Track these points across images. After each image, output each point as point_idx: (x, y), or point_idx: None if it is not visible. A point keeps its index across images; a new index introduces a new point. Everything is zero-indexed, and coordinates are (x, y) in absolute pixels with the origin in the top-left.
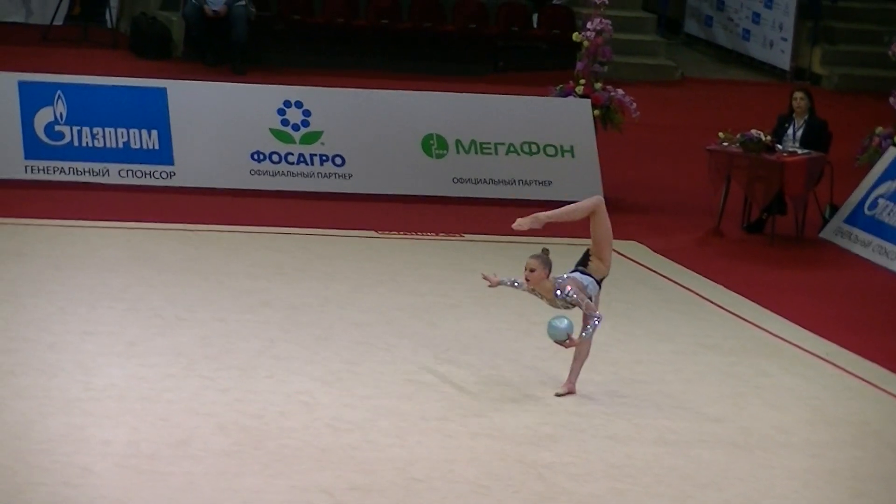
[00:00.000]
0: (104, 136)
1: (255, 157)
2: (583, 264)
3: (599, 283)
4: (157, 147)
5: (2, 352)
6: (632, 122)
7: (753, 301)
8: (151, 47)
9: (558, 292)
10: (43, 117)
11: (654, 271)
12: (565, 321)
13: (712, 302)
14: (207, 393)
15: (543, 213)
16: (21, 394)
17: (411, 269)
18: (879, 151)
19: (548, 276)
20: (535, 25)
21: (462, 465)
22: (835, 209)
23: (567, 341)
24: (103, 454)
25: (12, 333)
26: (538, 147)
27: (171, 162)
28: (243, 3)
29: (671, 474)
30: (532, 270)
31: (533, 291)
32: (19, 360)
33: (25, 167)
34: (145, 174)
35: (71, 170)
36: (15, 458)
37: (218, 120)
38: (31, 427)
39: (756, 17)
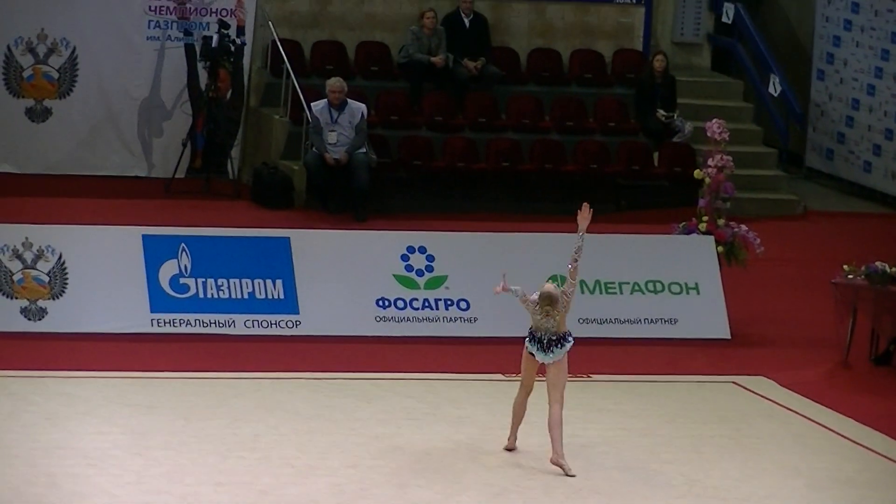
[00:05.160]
0: (229, 288)
1: (381, 303)
2: None
3: None
4: (282, 296)
5: None
6: (756, 258)
7: (884, 433)
8: (273, 197)
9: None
10: (168, 270)
11: (783, 406)
12: None
13: (843, 435)
14: None
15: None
16: None
17: (540, 411)
18: None
19: None
20: (655, 163)
21: None
22: None
23: None
24: None
25: (145, 486)
26: (663, 285)
27: (296, 311)
28: (364, 150)
29: None
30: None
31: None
32: None
33: (152, 320)
34: (271, 324)
35: (197, 322)
36: None
37: (342, 267)
38: None
39: (877, 150)
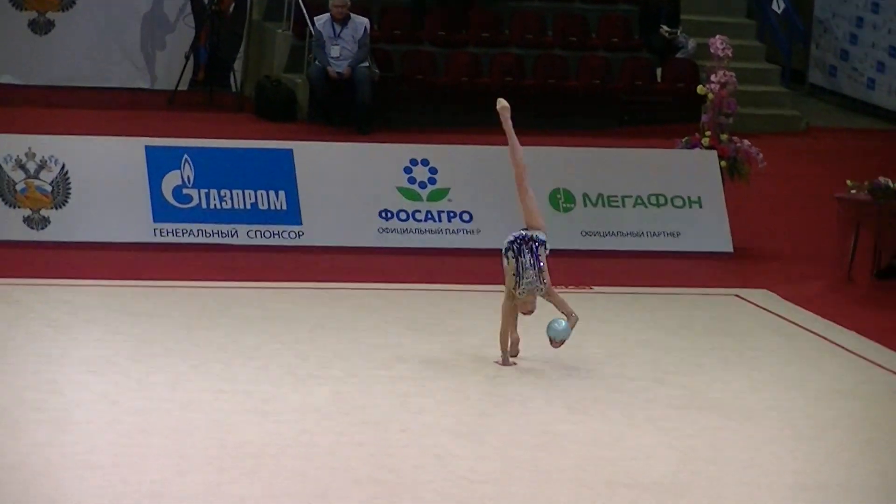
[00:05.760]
0: (232, 198)
1: (383, 215)
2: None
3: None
4: (284, 207)
5: (136, 412)
6: (758, 173)
7: (886, 346)
8: (276, 110)
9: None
10: (170, 181)
11: (786, 319)
12: (563, 323)
13: (844, 348)
14: (342, 448)
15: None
16: (156, 453)
17: (542, 322)
18: None
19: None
20: (659, 79)
21: None
22: None
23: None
24: None
25: (146, 393)
26: (665, 199)
27: (299, 222)
28: (367, 64)
29: None
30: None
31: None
32: (153, 420)
33: (154, 230)
34: (274, 234)
35: (199, 232)
36: None
37: (345, 179)
38: (167, 486)
39: (880, 67)
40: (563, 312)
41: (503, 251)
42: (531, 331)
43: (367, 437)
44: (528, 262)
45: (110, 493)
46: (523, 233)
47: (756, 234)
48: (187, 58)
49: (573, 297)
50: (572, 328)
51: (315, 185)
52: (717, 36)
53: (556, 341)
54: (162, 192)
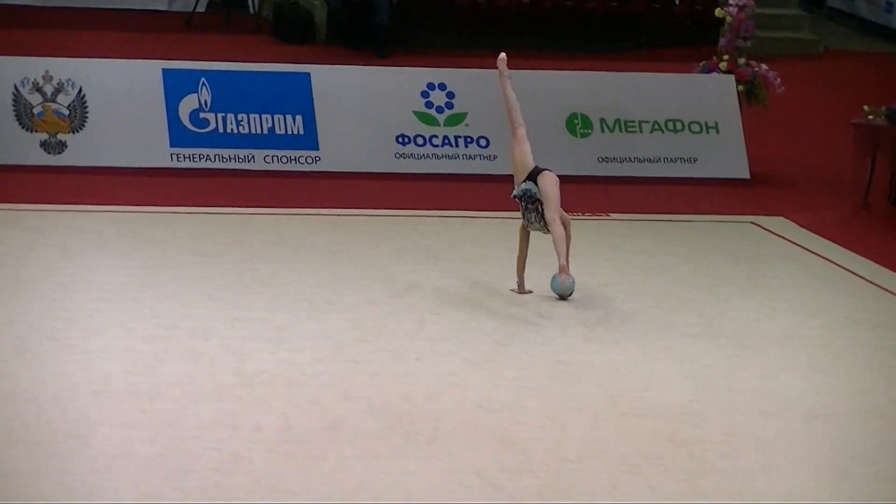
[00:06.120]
0: (249, 123)
1: (400, 140)
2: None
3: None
4: (301, 132)
5: (149, 339)
6: (776, 98)
7: None
8: (294, 32)
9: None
10: (187, 105)
11: (802, 246)
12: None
13: (860, 276)
14: (357, 376)
15: None
16: (170, 381)
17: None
18: None
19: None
20: (677, 2)
21: (612, 444)
22: None
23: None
24: (255, 440)
25: (159, 321)
26: (683, 124)
27: (315, 147)
28: None
29: (822, 447)
30: None
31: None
32: (167, 347)
33: (171, 155)
34: (290, 159)
35: (216, 157)
36: (166, 446)
37: (362, 104)
38: (181, 414)
39: None
40: (557, 252)
41: (512, 196)
42: (548, 260)
43: (381, 366)
44: (533, 218)
45: (125, 421)
46: (531, 191)
47: (773, 161)
48: None
49: (590, 224)
50: (564, 273)
51: (332, 110)
52: None
53: (565, 296)
54: (179, 116)
